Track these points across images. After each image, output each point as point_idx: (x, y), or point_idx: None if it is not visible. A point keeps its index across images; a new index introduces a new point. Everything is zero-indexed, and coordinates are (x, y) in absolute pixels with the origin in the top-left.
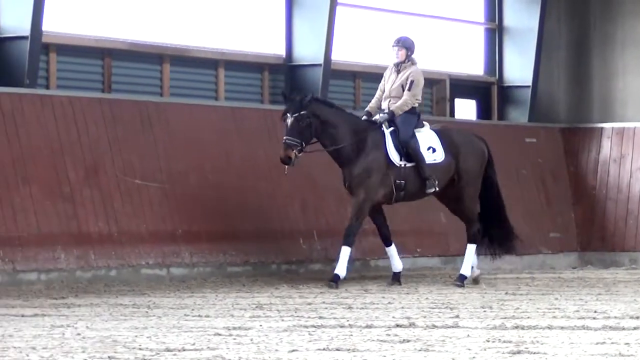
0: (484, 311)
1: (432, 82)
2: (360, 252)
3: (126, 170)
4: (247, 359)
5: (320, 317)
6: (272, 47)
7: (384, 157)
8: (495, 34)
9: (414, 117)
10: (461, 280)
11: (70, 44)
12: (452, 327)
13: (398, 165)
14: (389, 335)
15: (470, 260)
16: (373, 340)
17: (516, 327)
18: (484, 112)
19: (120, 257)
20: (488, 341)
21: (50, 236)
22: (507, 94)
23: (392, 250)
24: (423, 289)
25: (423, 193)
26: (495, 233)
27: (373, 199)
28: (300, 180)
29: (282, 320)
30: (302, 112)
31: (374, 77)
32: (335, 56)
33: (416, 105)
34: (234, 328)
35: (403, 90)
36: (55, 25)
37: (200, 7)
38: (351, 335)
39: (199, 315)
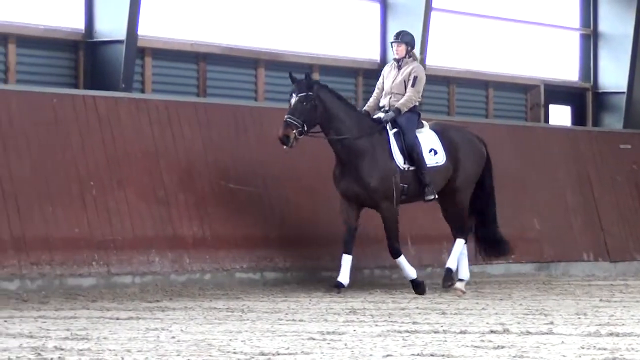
0: (578, 318)
1: (526, 87)
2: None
3: (220, 174)
4: None
5: (414, 323)
6: (367, 51)
7: (391, 160)
8: (590, 39)
9: (415, 116)
10: (449, 275)
11: (166, 48)
12: (547, 333)
13: (402, 168)
14: (483, 341)
15: (456, 254)
16: (467, 346)
17: (611, 334)
18: (578, 118)
19: (215, 261)
20: (582, 348)
21: (145, 239)
22: (601, 100)
23: (347, 260)
24: (517, 295)
25: (422, 198)
26: (485, 237)
27: (398, 204)
28: None
29: (376, 325)
30: (308, 93)
31: (468, 82)
32: (430, 61)
33: (417, 103)
34: (328, 333)
35: (405, 87)
36: (150, 29)
37: (294, 12)
38: (445, 340)
39: (293, 320)
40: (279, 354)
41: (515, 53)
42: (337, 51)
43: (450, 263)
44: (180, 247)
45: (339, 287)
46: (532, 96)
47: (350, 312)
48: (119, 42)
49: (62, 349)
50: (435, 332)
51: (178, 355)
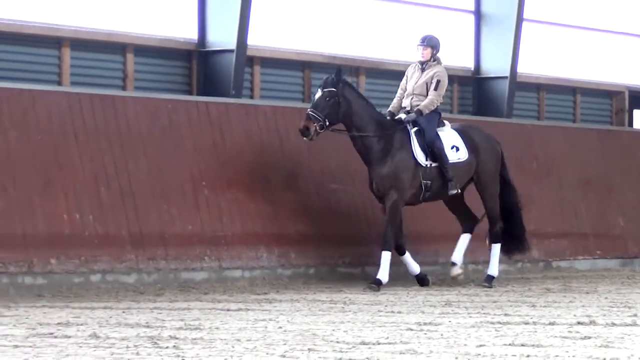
0: None
1: (611, 93)
2: (543, 254)
3: (323, 175)
4: (437, 352)
5: (506, 315)
6: (461, 60)
7: (411, 157)
8: None
9: (436, 116)
10: (489, 281)
11: (273, 57)
12: (631, 325)
13: (424, 165)
14: (571, 332)
15: (497, 259)
16: (556, 336)
17: None
18: None
19: (318, 256)
20: None
21: (254, 236)
22: None
23: (407, 257)
24: (602, 289)
25: (445, 194)
26: (508, 233)
27: (405, 199)
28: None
29: (470, 316)
30: (332, 89)
31: (556, 89)
32: (521, 69)
33: (439, 104)
34: (425, 324)
35: (427, 89)
36: (259, 39)
37: (392, 22)
38: (535, 331)
39: (392, 311)
40: (379, 344)
41: (601, 60)
42: None
43: (492, 270)
44: (286, 243)
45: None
46: (617, 102)
47: (445, 304)
48: (230, 51)
49: (176, 338)
50: (525, 324)
51: (284, 344)
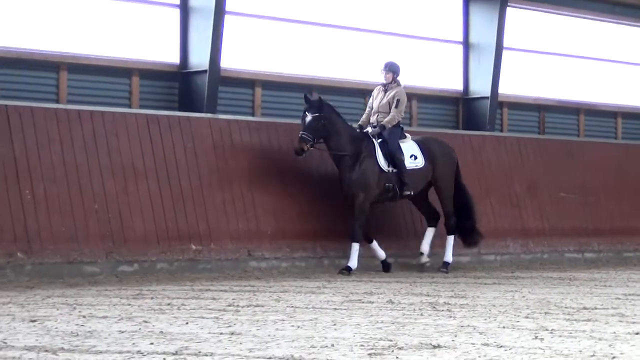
0: None
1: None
2: None
3: (555, 186)
4: None
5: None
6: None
7: (375, 164)
8: None
9: (398, 130)
10: (445, 267)
11: (513, 101)
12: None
13: (386, 171)
14: None
15: (451, 248)
16: None
17: None
18: None
19: (550, 245)
20: None
21: (503, 231)
22: None
23: (374, 245)
24: None
25: (401, 195)
26: (462, 228)
27: (371, 199)
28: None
29: None
30: (320, 114)
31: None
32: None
33: (400, 120)
34: (630, 294)
35: (389, 107)
36: (508, 88)
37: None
38: None
39: (604, 285)
40: (596, 308)
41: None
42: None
43: (447, 257)
44: (527, 235)
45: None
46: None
47: None
48: (485, 98)
49: (449, 304)
50: None
51: (527, 308)
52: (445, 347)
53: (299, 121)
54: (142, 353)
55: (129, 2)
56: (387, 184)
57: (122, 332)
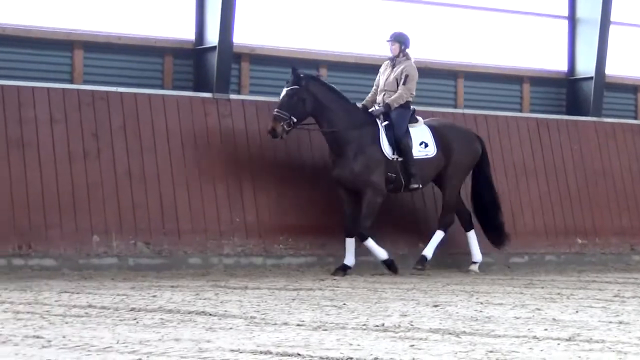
0: None
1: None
2: None
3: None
4: None
5: None
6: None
7: (379, 151)
8: None
9: (408, 111)
10: (422, 262)
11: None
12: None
13: (391, 159)
14: None
15: (435, 243)
16: None
17: None
18: None
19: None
20: None
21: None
22: None
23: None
24: None
25: (408, 188)
26: (488, 227)
27: (383, 194)
28: None
29: None
30: (294, 87)
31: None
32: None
33: (410, 99)
34: None
35: (397, 84)
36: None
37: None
38: None
39: None
40: None
41: None
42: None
43: (426, 251)
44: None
45: (344, 270)
46: None
47: None
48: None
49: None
50: None
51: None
52: None
53: None
54: (537, 338)
55: (518, 14)
56: (390, 174)
57: (518, 318)
